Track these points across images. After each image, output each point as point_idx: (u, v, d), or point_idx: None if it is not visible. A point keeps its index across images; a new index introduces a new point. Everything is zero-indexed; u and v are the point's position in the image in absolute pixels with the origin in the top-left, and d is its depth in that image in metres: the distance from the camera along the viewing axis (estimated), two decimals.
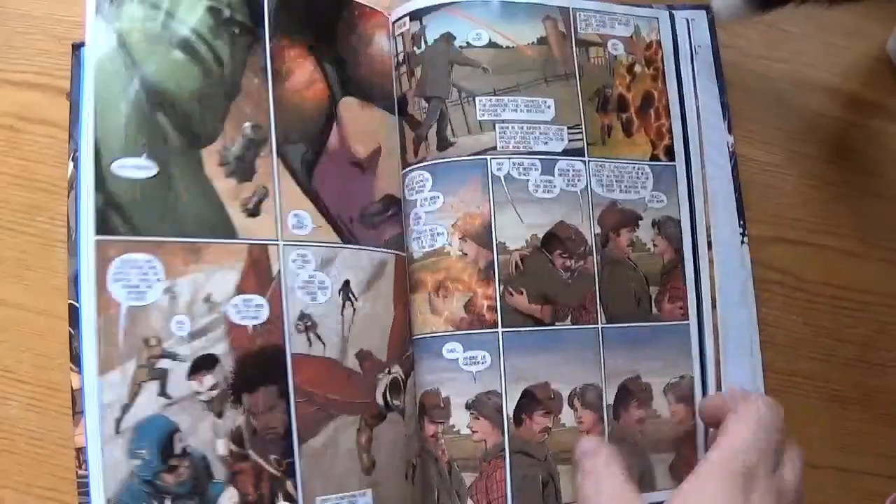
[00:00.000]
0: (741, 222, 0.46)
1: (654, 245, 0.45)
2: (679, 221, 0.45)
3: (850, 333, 0.47)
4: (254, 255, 0.38)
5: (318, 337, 0.39)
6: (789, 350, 0.47)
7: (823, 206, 0.48)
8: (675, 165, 0.46)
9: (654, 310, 0.44)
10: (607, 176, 0.44)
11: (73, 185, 0.44)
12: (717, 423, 0.39)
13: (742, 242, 0.46)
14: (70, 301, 0.43)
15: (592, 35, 0.46)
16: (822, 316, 0.47)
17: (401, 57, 0.44)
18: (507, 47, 0.44)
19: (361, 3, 0.44)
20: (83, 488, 0.41)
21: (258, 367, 0.37)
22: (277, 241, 0.38)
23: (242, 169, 0.38)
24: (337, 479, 0.38)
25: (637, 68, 0.46)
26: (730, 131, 0.47)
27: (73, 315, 0.43)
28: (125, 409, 0.35)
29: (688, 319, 0.44)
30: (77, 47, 0.45)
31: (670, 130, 0.46)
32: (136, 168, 0.36)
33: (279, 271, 0.38)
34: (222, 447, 0.36)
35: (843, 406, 0.47)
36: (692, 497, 0.34)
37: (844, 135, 0.50)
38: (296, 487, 0.37)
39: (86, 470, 0.38)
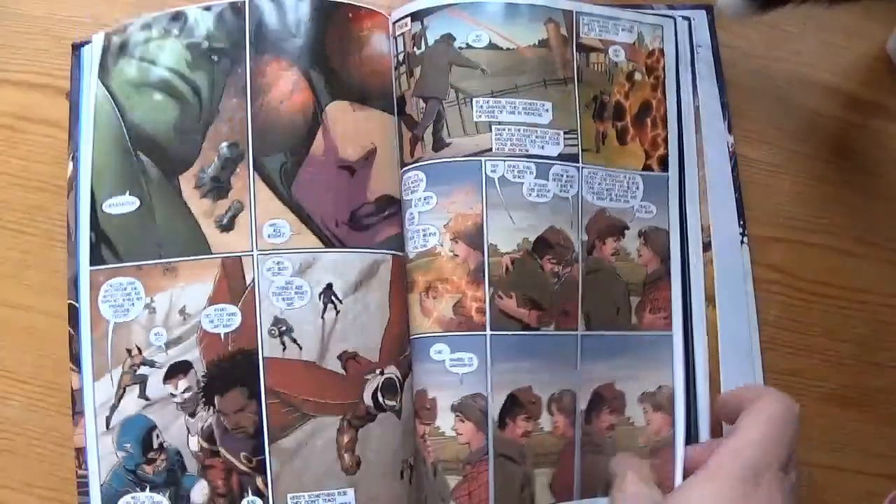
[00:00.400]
0: (741, 222, 0.46)
1: (639, 255, 0.44)
2: (668, 232, 0.45)
3: (848, 333, 0.47)
4: (227, 267, 0.41)
5: (294, 340, 0.40)
6: (788, 350, 0.47)
7: (823, 206, 0.48)
8: (667, 176, 0.45)
9: (634, 319, 0.44)
10: (599, 184, 0.44)
11: (72, 185, 0.44)
12: (733, 419, 0.39)
13: (742, 243, 0.46)
14: (70, 301, 0.43)
15: (594, 40, 0.45)
16: (821, 315, 0.47)
17: (401, 57, 0.44)
18: (508, 49, 0.43)
19: (356, 5, 0.44)
20: (83, 488, 0.42)
21: (229, 370, 0.40)
22: (251, 251, 0.41)
23: (218, 188, 0.41)
24: (313, 477, 0.40)
25: (637, 76, 0.46)
26: (730, 131, 0.47)
27: (73, 315, 0.43)
28: (113, 409, 0.41)
29: (671, 330, 0.44)
30: (77, 47, 0.45)
31: (666, 140, 0.46)
32: (121, 205, 0.42)
33: (253, 280, 0.40)
34: (194, 444, 0.40)
35: (842, 406, 0.47)
36: (695, 493, 0.34)
37: (844, 134, 0.50)
38: (266, 484, 0.40)
39: (85, 469, 0.40)
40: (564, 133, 0.44)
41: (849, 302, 0.48)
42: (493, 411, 0.41)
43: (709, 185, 0.46)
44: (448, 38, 0.43)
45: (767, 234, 0.48)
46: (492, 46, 0.43)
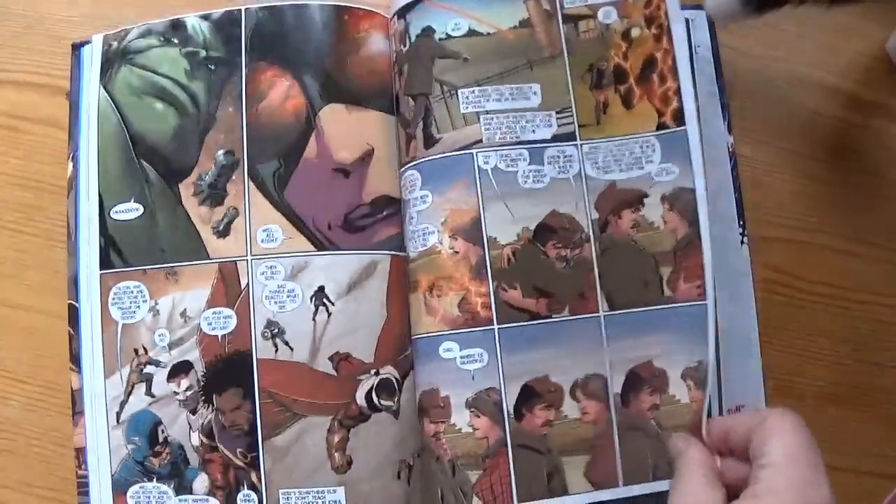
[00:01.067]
0: (741, 222, 0.46)
1: (665, 221, 0.42)
2: (694, 191, 0.42)
3: (848, 333, 0.47)
4: (224, 272, 0.43)
5: (286, 343, 0.41)
6: (788, 350, 0.47)
7: (822, 206, 0.48)
8: (685, 130, 0.43)
9: (667, 291, 0.42)
10: (603, 157, 0.43)
11: (72, 184, 0.44)
12: (727, 445, 0.37)
13: (742, 243, 0.46)
14: (70, 301, 0.43)
15: (580, 8, 0.44)
16: (821, 315, 0.47)
17: (393, 56, 0.44)
18: (488, 34, 0.43)
19: (353, 7, 0.44)
20: (83, 488, 0.42)
21: (226, 371, 0.42)
22: (246, 256, 0.42)
23: (215, 195, 0.43)
24: (303, 475, 0.41)
25: (634, 32, 0.44)
26: (730, 131, 0.47)
27: (73, 315, 0.43)
28: (122, 404, 0.43)
29: (705, 300, 0.41)
30: (77, 47, 0.45)
31: (678, 92, 0.43)
32: (127, 211, 0.44)
33: (247, 284, 0.42)
34: (196, 439, 0.42)
35: (841, 406, 0.47)
36: None
37: (843, 134, 0.50)
38: (260, 479, 0.41)
39: (86, 469, 0.42)
40: (557, 113, 0.43)
41: (849, 302, 0.48)
42: (508, 404, 0.41)
43: (709, 185, 0.46)
44: (428, 31, 0.43)
45: (767, 234, 0.48)
46: (472, 33, 0.43)
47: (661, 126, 0.43)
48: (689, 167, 0.42)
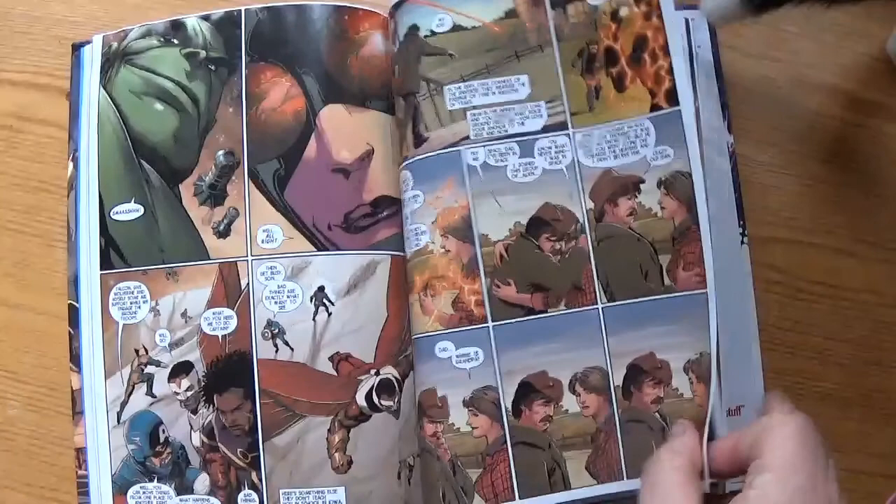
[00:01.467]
0: (741, 222, 0.46)
1: (662, 207, 0.42)
2: (690, 174, 0.42)
3: (848, 333, 0.47)
4: (224, 272, 0.43)
5: (286, 343, 0.42)
6: (788, 350, 0.47)
7: (822, 206, 0.48)
8: (679, 110, 0.42)
9: (667, 280, 0.42)
10: (597, 144, 0.42)
11: (72, 185, 0.44)
12: (736, 461, 0.35)
13: (742, 243, 0.46)
14: (70, 301, 0.43)
15: None
16: (821, 315, 0.47)
17: (392, 57, 0.44)
18: (473, 27, 0.43)
19: (353, 7, 0.44)
20: (83, 488, 0.42)
21: (227, 371, 0.42)
22: (246, 257, 0.42)
23: (215, 196, 0.43)
24: (303, 475, 0.41)
25: (623, 11, 0.43)
26: (730, 131, 0.47)
27: (73, 315, 0.43)
28: (123, 405, 0.43)
29: (705, 288, 0.41)
30: (77, 47, 0.45)
31: (671, 71, 0.43)
32: (127, 212, 0.44)
33: (248, 284, 0.42)
34: (196, 439, 0.43)
35: (842, 406, 0.47)
36: None
37: (844, 135, 0.50)
38: (260, 479, 0.41)
39: (86, 469, 0.42)
40: (547, 103, 0.42)
41: (849, 302, 0.48)
42: (506, 401, 0.41)
43: (709, 185, 0.46)
44: (413, 30, 0.43)
45: (767, 234, 0.47)
46: (456, 28, 0.43)
47: (654, 108, 0.42)
48: (684, 149, 0.42)
